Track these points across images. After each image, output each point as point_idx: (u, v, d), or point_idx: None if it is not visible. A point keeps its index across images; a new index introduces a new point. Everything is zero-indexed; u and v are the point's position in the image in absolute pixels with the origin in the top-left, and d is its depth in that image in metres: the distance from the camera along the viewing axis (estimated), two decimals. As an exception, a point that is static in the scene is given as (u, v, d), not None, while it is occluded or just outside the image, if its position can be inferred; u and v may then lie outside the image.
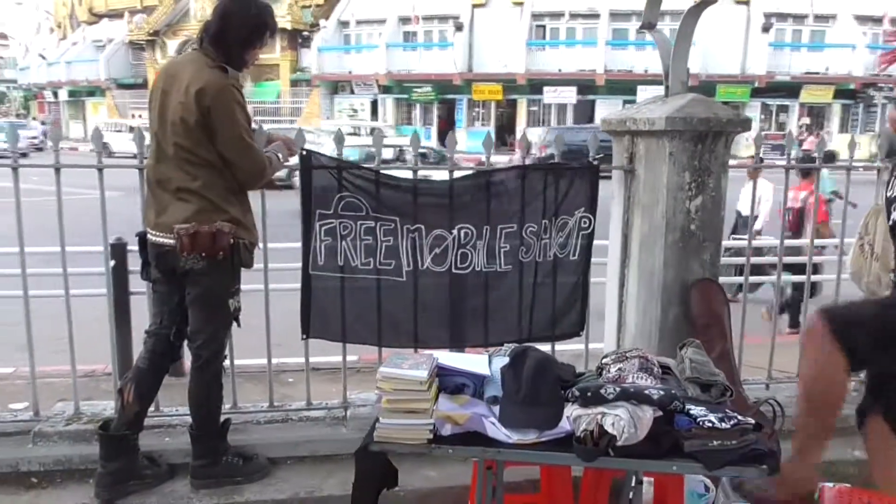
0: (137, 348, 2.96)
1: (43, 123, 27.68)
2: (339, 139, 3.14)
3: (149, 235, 2.78)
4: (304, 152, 2.99)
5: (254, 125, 2.81)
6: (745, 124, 3.16)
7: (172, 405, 3.30)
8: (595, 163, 3.22)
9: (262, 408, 3.35)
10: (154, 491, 2.87)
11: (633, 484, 2.28)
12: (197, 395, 2.88)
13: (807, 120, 31.09)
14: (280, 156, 2.91)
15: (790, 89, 30.39)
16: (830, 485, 2.31)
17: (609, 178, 3.42)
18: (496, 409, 2.08)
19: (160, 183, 2.74)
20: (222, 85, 2.62)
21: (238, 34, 2.71)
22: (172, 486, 2.91)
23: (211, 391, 2.89)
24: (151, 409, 3.01)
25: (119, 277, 3.83)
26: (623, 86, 29.56)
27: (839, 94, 30.24)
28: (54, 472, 2.97)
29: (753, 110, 30.71)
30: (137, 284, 3.40)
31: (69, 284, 3.11)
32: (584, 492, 2.68)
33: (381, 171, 3.08)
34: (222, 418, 2.99)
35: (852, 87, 29.79)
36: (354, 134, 19.82)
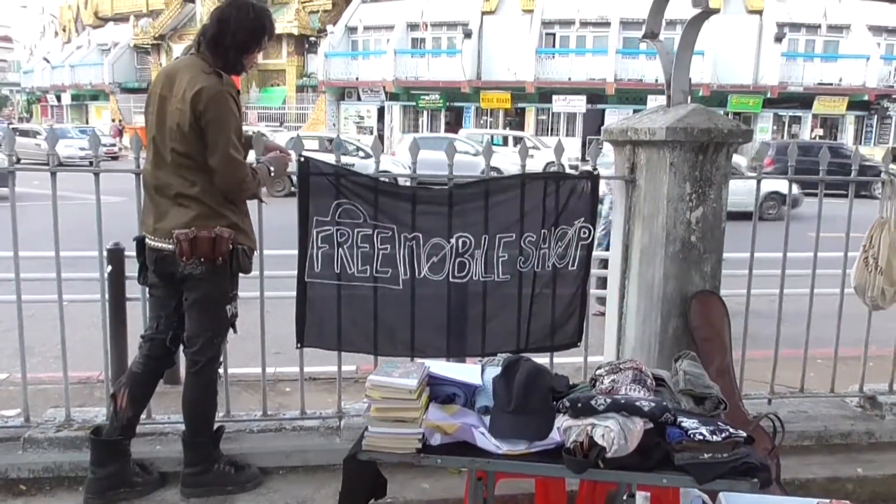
0: (133, 355, 2.94)
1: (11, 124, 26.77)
2: (337, 146, 3.14)
3: (147, 240, 2.76)
4: (302, 159, 2.98)
5: (253, 131, 2.78)
6: (747, 135, 3.12)
7: (164, 413, 3.28)
8: (595, 172, 3.19)
9: (255, 416, 3.32)
10: (144, 499, 2.84)
11: (624, 497, 2.24)
12: (191, 401, 2.86)
13: (820, 131, 30.88)
14: (271, 169, 2.88)
15: (803, 100, 30.16)
16: (827, 502, 2.27)
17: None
18: (487, 419, 2.06)
19: (158, 189, 2.72)
20: (216, 91, 2.60)
21: (235, 38, 2.68)
22: (163, 495, 2.88)
23: (206, 397, 2.87)
24: (143, 416, 2.99)
25: (116, 283, 3.82)
26: (633, 95, 29.48)
27: (853, 105, 29.97)
28: (43, 479, 2.95)
29: (765, 121, 30.55)
30: (134, 290, 3.38)
31: (66, 290, 3.10)
32: (578, 505, 2.64)
33: (380, 179, 3.06)
34: (216, 426, 2.97)
35: (866, 98, 29.51)
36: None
